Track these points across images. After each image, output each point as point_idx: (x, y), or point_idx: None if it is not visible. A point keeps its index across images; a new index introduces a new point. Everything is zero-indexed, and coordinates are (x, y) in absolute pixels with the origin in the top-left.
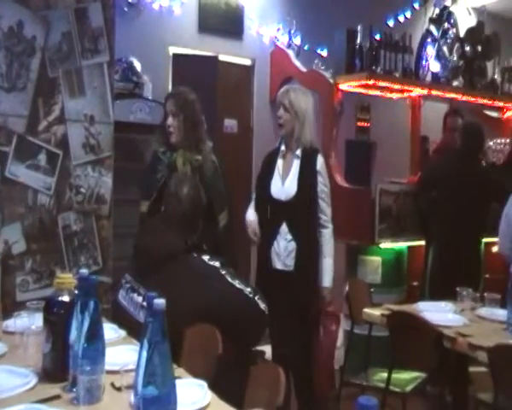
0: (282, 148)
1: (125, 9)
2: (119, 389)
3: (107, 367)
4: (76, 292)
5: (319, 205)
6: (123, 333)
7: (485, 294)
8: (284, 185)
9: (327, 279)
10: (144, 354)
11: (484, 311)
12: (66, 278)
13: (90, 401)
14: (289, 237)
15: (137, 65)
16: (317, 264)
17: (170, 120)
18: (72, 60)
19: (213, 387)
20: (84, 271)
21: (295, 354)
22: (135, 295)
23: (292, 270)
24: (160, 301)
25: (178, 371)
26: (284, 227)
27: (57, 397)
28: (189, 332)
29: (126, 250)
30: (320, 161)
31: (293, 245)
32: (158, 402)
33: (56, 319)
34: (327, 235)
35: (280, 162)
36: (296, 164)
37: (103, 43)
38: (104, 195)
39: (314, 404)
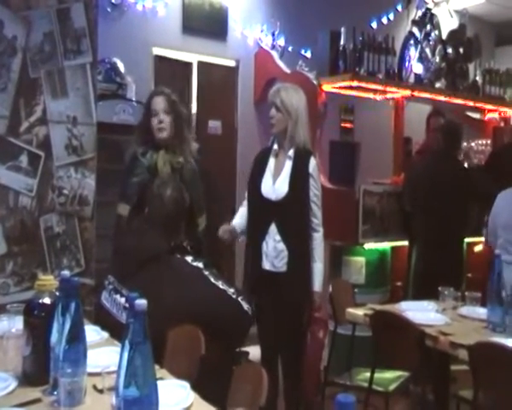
0: (275, 147)
1: (108, 10)
2: (100, 391)
3: (89, 369)
4: (57, 294)
5: (311, 208)
6: (105, 335)
7: (466, 293)
8: (275, 185)
9: (317, 284)
10: (125, 355)
11: (465, 310)
12: (48, 280)
13: (71, 403)
14: (278, 237)
15: (121, 66)
16: (309, 267)
17: (162, 116)
18: (55, 60)
19: (196, 388)
20: (66, 272)
21: (286, 356)
22: (118, 296)
23: (282, 271)
24: (142, 302)
25: (161, 372)
26: (273, 227)
27: (38, 401)
28: (172, 333)
29: (110, 252)
30: (313, 163)
31: (281, 246)
32: (139, 403)
33: (37, 321)
34: (318, 239)
35: (272, 161)
36: (288, 164)
37: (86, 43)
38: (87, 196)
39: (301, 406)
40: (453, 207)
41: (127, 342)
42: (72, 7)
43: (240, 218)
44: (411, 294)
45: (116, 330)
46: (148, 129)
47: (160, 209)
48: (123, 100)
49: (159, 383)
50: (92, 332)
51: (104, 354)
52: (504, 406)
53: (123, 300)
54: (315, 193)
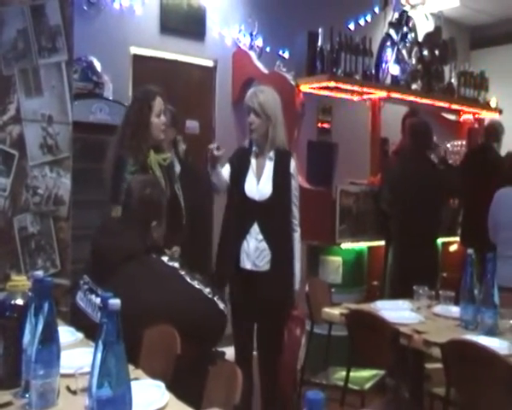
0: (254, 148)
1: (85, 8)
2: (74, 392)
3: (62, 371)
4: (30, 295)
5: (292, 208)
6: (80, 336)
7: (440, 292)
8: (259, 185)
9: (297, 282)
10: (99, 355)
11: (439, 308)
12: (20, 281)
13: (43, 405)
14: (260, 237)
15: (97, 65)
16: (291, 266)
17: (163, 117)
18: (29, 58)
19: (172, 388)
20: (39, 272)
21: (264, 355)
22: (93, 296)
23: (264, 271)
24: (115, 302)
25: (136, 372)
26: (256, 227)
27: (8, 404)
28: (148, 333)
29: (86, 252)
30: (293, 164)
31: (264, 245)
32: (112, 403)
33: (8, 323)
34: (297, 238)
35: (253, 162)
36: (269, 165)
37: (61, 41)
38: (62, 196)
39: (278, 404)
40: (426, 207)
41: (100, 343)
42: (47, 4)
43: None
44: (388, 293)
45: (91, 331)
46: (147, 128)
47: (130, 208)
48: (100, 99)
49: (133, 383)
50: (67, 333)
51: (78, 355)
52: (475, 402)
53: (98, 300)
54: (295, 194)
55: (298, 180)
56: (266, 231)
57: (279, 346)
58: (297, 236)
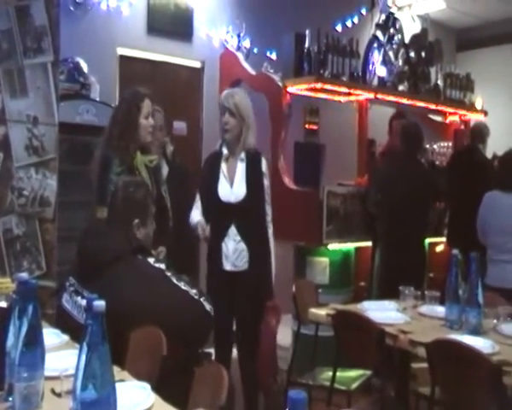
0: (225, 152)
1: (71, 8)
2: (58, 395)
3: (47, 373)
4: (14, 297)
5: (265, 207)
6: (66, 338)
7: (426, 292)
8: (233, 188)
9: (273, 277)
10: (83, 356)
11: (425, 308)
12: (4, 283)
13: (27, 408)
14: (238, 238)
15: (84, 65)
16: (269, 263)
17: (152, 121)
18: (14, 59)
19: (158, 389)
20: (23, 274)
21: (245, 349)
22: (79, 298)
23: (243, 270)
24: (100, 303)
25: (122, 374)
26: (233, 229)
27: None
28: (134, 335)
29: (72, 254)
30: (264, 163)
31: (242, 246)
32: (96, 405)
33: None
34: (271, 234)
35: (224, 166)
36: (241, 167)
37: (47, 42)
38: (48, 197)
39: (258, 397)
40: (414, 209)
41: (85, 344)
42: (32, 4)
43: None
44: (375, 294)
45: (77, 333)
46: (136, 129)
47: (115, 209)
48: (86, 100)
49: (119, 384)
50: (52, 335)
51: (64, 357)
52: (459, 400)
53: (84, 302)
54: (267, 192)
55: (269, 179)
56: (244, 231)
57: (257, 339)
58: (271, 232)
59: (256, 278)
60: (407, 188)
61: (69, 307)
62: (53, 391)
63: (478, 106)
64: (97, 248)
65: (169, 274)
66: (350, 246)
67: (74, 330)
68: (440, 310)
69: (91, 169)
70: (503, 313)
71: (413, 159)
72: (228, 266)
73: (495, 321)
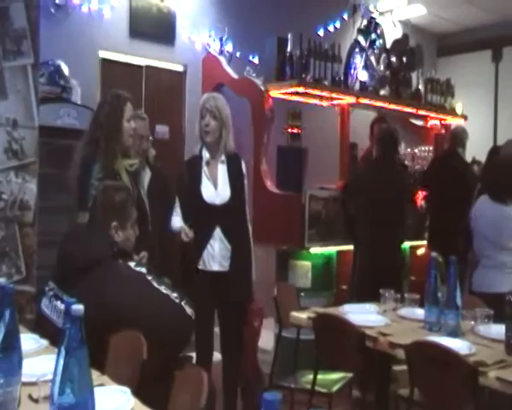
0: (206, 155)
1: (52, 11)
2: (36, 400)
3: (24, 379)
4: None
5: (246, 208)
6: (45, 343)
7: (406, 294)
8: (218, 190)
9: (254, 276)
10: (61, 361)
11: (404, 311)
12: None
13: None
14: (224, 238)
15: (65, 68)
16: (251, 262)
17: (133, 124)
18: None
19: (138, 393)
20: (1, 279)
21: (230, 352)
22: (58, 302)
23: (228, 270)
24: (78, 307)
25: (102, 378)
26: (219, 230)
27: None
28: (114, 339)
29: (53, 259)
30: (244, 165)
31: (228, 246)
32: None
33: None
34: (250, 235)
35: (205, 169)
36: (223, 169)
37: (27, 44)
38: (28, 201)
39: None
40: (392, 212)
41: (63, 348)
42: (12, 6)
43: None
44: (356, 297)
45: (56, 338)
46: (119, 132)
47: (96, 214)
48: (67, 103)
49: (99, 389)
50: (31, 340)
51: (42, 363)
52: (437, 401)
53: (63, 306)
54: (247, 193)
55: (247, 180)
56: (229, 232)
57: (241, 342)
58: (250, 232)
59: (239, 278)
60: (385, 192)
61: (48, 312)
62: (30, 397)
63: (458, 111)
64: (77, 253)
65: (150, 278)
66: (332, 249)
67: (54, 335)
68: (420, 312)
69: (70, 173)
70: (481, 315)
71: (390, 163)
72: (215, 267)
73: (472, 323)
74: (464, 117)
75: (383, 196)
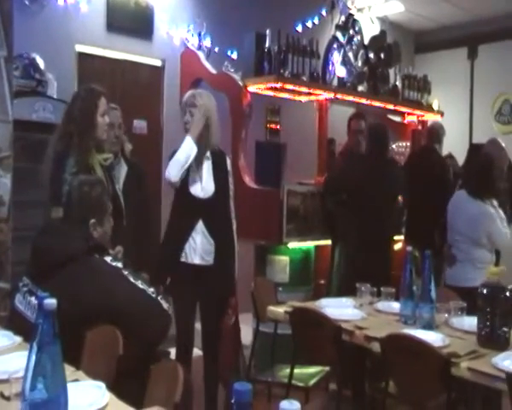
0: None
1: (26, 3)
2: (8, 398)
3: None
4: None
5: (230, 203)
6: (18, 339)
7: (382, 288)
8: (203, 184)
9: (236, 272)
10: (33, 356)
11: (380, 304)
12: None
13: None
14: (206, 232)
15: (40, 62)
16: (234, 257)
17: (107, 119)
18: None
19: (114, 388)
20: None
21: (210, 346)
22: (32, 298)
23: (210, 265)
24: (51, 301)
25: (77, 373)
26: (201, 224)
27: None
28: (90, 334)
29: (27, 254)
30: (229, 162)
31: (210, 240)
32: (46, 406)
33: None
34: (234, 230)
35: (192, 162)
36: (208, 164)
37: (0, 36)
38: (2, 196)
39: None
40: (384, 208)
41: (35, 344)
42: None
43: None
44: (336, 292)
45: (31, 334)
46: (94, 127)
47: (70, 208)
48: (43, 97)
49: (73, 384)
50: (3, 337)
51: (14, 360)
52: (411, 392)
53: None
54: (232, 189)
55: (232, 176)
56: (211, 226)
57: (221, 336)
58: (234, 228)
59: (222, 273)
60: (378, 188)
61: (22, 308)
62: (2, 395)
63: (435, 107)
64: (52, 248)
65: (126, 273)
66: (310, 244)
67: (28, 332)
68: (396, 306)
69: (43, 168)
70: (454, 308)
71: (383, 159)
72: (196, 260)
73: (446, 315)
74: (441, 113)
75: (376, 192)
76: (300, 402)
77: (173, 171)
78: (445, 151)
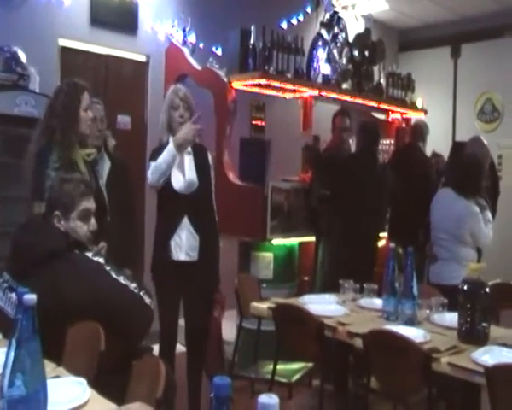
0: None
1: None
2: None
3: None
4: None
5: (213, 198)
6: None
7: (365, 285)
8: (186, 179)
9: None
10: (12, 353)
11: (363, 301)
12: None
13: None
14: (192, 228)
15: (22, 55)
16: (217, 252)
17: (91, 113)
18: None
19: (96, 384)
20: None
21: (195, 342)
22: (13, 294)
23: (195, 260)
24: (30, 297)
25: (58, 370)
26: (186, 220)
27: None
28: (72, 330)
29: (7, 250)
30: (210, 156)
31: (195, 236)
32: (25, 402)
33: None
34: (217, 226)
35: None
36: (189, 159)
37: None
38: None
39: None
40: (373, 206)
41: (14, 340)
42: None
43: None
44: (320, 289)
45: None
46: (77, 121)
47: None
48: (25, 91)
49: (54, 381)
50: None
51: None
52: (393, 387)
53: None
54: (213, 183)
55: (214, 171)
56: (196, 222)
57: (206, 332)
58: (217, 223)
59: (207, 269)
60: (368, 185)
61: (2, 304)
62: None
63: (418, 105)
64: (32, 245)
65: (108, 268)
66: (294, 241)
67: (8, 328)
68: (378, 302)
69: (26, 163)
70: (436, 304)
71: (375, 156)
72: (182, 256)
73: (428, 311)
74: (424, 111)
75: (365, 189)
76: (284, 398)
77: (155, 176)
78: (428, 149)
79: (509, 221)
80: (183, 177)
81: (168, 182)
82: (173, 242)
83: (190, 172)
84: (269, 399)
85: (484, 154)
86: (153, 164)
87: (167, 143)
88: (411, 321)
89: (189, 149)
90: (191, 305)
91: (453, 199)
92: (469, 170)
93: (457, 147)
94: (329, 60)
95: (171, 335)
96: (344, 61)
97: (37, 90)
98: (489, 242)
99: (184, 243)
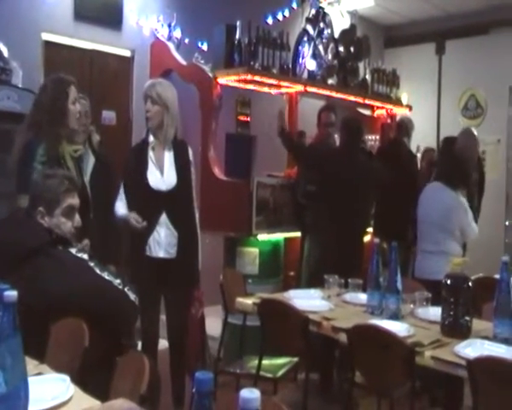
0: (151, 140)
1: None
2: None
3: None
4: None
5: (193, 194)
6: None
7: (350, 280)
8: (164, 176)
9: (200, 264)
10: None
11: (348, 296)
12: None
13: None
14: (170, 225)
15: (4, 50)
16: (197, 249)
17: (79, 107)
18: None
19: (80, 381)
20: None
21: (176, 338)
22: None
23: (174, 257)
24: (11, 293)
25: (41, 367)
26: (165, 217)
27: None
28: (55, 327)
29: None
30: (190, 151)
31: (174, 233)
32: (5, 400)
33: None
34: (197, 220)
35: (151, 154)
36: (169, 155)
37: None
38: None
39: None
40: (362, 201)
41: None
42: None
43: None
44: (305, 284)
45: None
46: (64, 115)
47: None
48: (7, 86)
49: (37, 378)
50: None
51: None
52: (377, 381)
53: None
54: (194, 179)
55: (195, 166)
56: (175, 219)
57: (186, 328)
58: (197, 218)
59: (186, 265)
60: (353, 180)
61: None
62: None
63: (403, 101)
64: (15, 240)
65: (92, 264)
66: (279, 236)
67: None
68: (363, 297)
69: (12, 157)
70: (420, 298)
71: (357, 150)
72: (161, 253)
73: (412, 306)
74: (409, 107)
75: (350, 185)
76: (269, 393)
77: (117, 213)
78: (413, 144)
79: (492, 216)
80: (161, 175)
81: (145, 179)
82: (152, 238)
83: (169, 171)
84: (250, 393)
85: (474, 145)
86: (118, 203)
87: (145, 137)
88: (395, 315)
89: (169, 143)
90: (171, 302)
91: (441, 191)
92: (458, 159)
93: (448, 142)
94: (315, 55)
95: (152, 331)
96: (329, 56)
97: (20, 85)
98: (475, 236)
99: (163, 240)
